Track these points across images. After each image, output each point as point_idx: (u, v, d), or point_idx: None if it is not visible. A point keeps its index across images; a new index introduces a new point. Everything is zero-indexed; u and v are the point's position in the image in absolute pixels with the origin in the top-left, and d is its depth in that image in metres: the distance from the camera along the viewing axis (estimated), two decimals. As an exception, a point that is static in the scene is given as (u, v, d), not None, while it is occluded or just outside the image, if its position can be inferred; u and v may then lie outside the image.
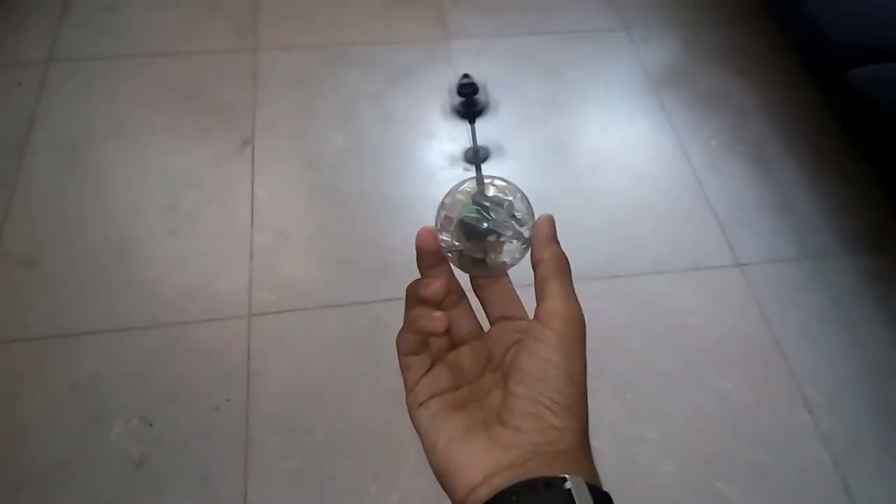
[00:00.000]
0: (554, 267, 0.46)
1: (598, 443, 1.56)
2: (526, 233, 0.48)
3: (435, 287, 0.46)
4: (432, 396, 0.47)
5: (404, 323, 0.48)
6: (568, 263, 0.46)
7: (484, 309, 0.52)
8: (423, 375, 0.48)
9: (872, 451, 1.60)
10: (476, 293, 0.52)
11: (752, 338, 1.77)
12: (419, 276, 0.50)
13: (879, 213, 1.98)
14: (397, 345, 0.48)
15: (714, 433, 1.62)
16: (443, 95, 2.20)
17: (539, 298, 0.45)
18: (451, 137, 2.12)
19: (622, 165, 2.12)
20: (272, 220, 1.92)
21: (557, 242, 0.47)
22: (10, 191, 1.92)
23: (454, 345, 0.50)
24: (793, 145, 2.16)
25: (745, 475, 1.56)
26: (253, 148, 2.06)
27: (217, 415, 1.60)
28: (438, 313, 0.45)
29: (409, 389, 0.48)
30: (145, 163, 2.02)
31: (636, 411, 1.64)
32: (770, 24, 2.36)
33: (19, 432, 1.56)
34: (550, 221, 0.48)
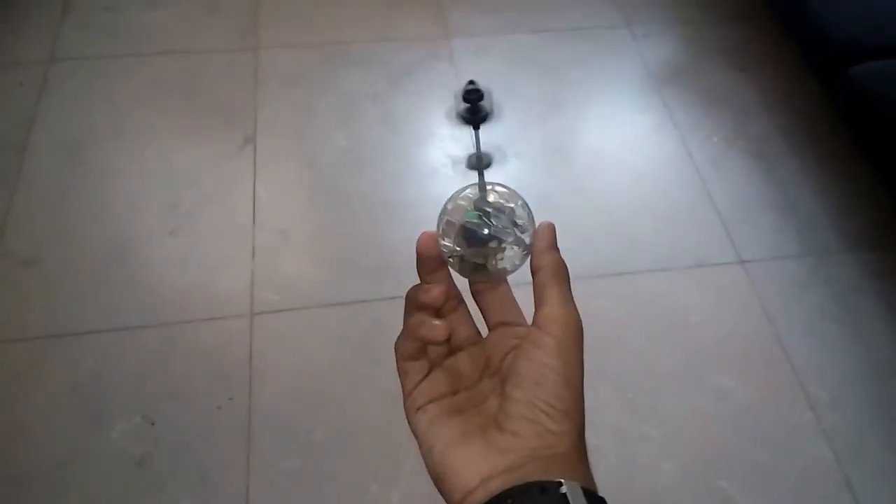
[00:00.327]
0: (553, 273, 0.46)
1: (599, 442, 1.57)
2: (527, 239, 0.48)
3: (434, 293, 0.46)
4: (430, 401, 0.47)
5: (403, 329, 0.48)
6: (567, 270, 0.47)
7: (483, 315, 0.52)
8: (422, 380, 0.48)
9: (875, 448, 1.60)
10: (475, 299, 0.52)
11: (755, 335, 1.77)
12: (419, 280, 0.50)
13: (881, 209, 1.98)
14: (396, 350, 0.48)
15: (716, 431, 1.62)
16: (444, 95, 2.20)
17: (538, 304, 0.45)
18: (452, 137, 2.12)
19: (624, 163, 2.12)
20: (273, 220, 1.92)
21: (557, 250, 0.47)
22: (10, 191, 1.92)
23: (452, 350, 0.50)
24: (795, 142, 2.16)
25: (747, 473, 1.56)
26: (254, 147, 2.06)
27: (219, 414, 1.60)
28: (439, 322, 0.45)
29: (406, 394, 0.48)
30: (146, 162, 2.02)
31: (637, 410, 1.64)
32: (772, 21, 2.36)
33: (20, 432, 1.56)
34: (551, 228, 0.48)
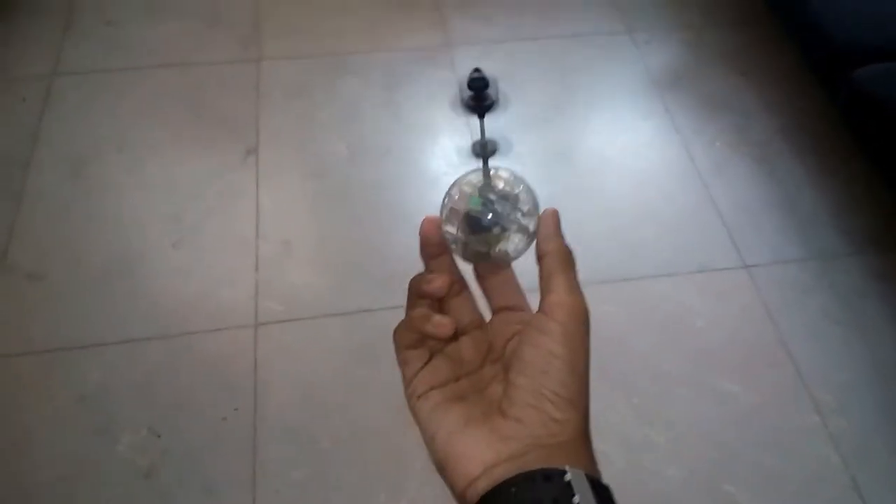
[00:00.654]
0: (559, 260, 0.46)
1: (606, 446, 1.56)
2: (531, 226, 0.48)
3: (437, 283, 0.46)
4: (431, 389, 0.46)
5: (405, 319, 0.47)
6: (573, 257, 0.46)
7: (486, 298, 0.52)
8: (422, 368, 0.47)
9: (882, 451, 1.59)
10: (478, 283, 0.52)
11: (759, 339, 1.77)
12: (423, 270, 0.50)
13: (884, 210, 1.98)
14: (395, 340, 0.48)
15: (721, 435, 1.62)
16: (446, 103, 2.20)
17: (544, 291, 0.45)
18: (454, 144, 2.12)
19: (626, 168, 2.12)
20: (277, 230, 1.92)
21: (562, 236, 0.47)
22: (15, 205, 1.93)
23: (455, 335, 0.49)
24: (797, 145, 2.16)
25: (753, 477, 1.56)
26: (257, 158, 2.07)
27: (225, 425, 1.60)
28: (443, 318, 0.45)
29: (407, 382, 0.47)
30: (149, 175, 2.03)
31: (643, 415, 1.64)
32: (772, 24, 2.36)
33: (26, 445, 1.56)
34: (555, 215, 0.48)
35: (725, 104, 2.28)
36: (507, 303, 0.51)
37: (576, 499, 0.37)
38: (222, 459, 1.56)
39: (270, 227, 1.92)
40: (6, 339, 1.71)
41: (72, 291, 1.79)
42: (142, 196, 1.98)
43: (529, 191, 0.49)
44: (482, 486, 0.40)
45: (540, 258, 0.46)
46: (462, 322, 0.50)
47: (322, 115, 2.21)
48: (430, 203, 1.98)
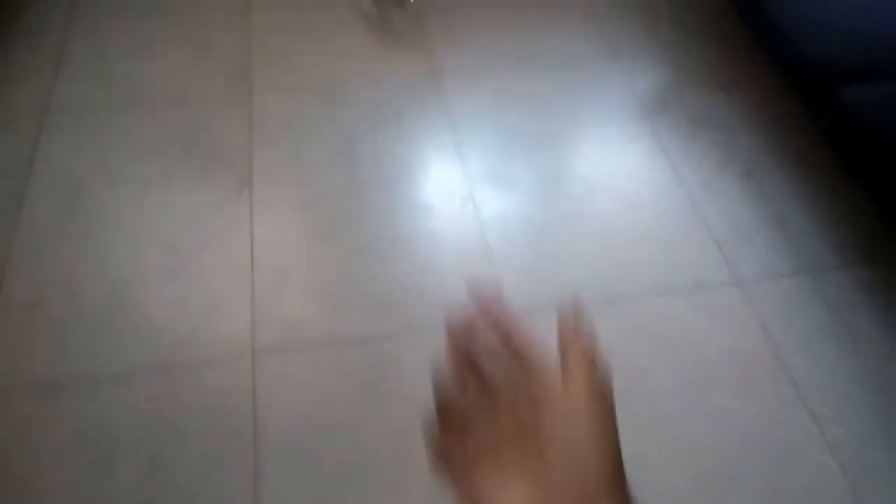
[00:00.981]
0: (582, 361, 0.47)
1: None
2: None
3: (457, 322, 0.47)
4: (463, 455, 0.47)
5: (430, 415, 0.48)
6: (595, 337, 0.47)
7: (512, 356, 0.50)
8: (451, 442, 0.48)
9: (880, 457, 1.60)
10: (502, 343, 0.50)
11: (755, 353, 1.78)
12: (425, 324, 0.50)
13: (871, 224, 2.00)
14: (427, 436, 0.48)
15: (721, 449, 1.63)
16: (436, 134, 2.23)
17: (564, 366, 0.46)
18: (445, 172, 2.14)
19: (617, 191, 2.14)
20: (272, 261, 1.93)
21: (583, 320, 0.48)
22: (9, 238, 1.93)
23: (484, 393, 0.49)
24: (783, 162, 2.19)
25: (754, 489, 1.56)
26: (251, 190, 2.08)
27: (225, 455, 1.60)
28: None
29: (436, 457, 0.48)
30: (144, 209, 2.04)
31: (643, 430, 1.64)
32: (753, 44, 2.40)
33: (27, 479, 1.56)
34: (575, 304, 0.49)
35: (711, 124, 2.32)
36: (531, 352, 0.49)
37: None
38: (223, 489, 1.56)
39: (265, 259, 1.93)
40: (3, 372, 1.72)
41: (68, 324, 1.80)
42: (137, 229, 1.99)
43: None
44: None
45: (561, 337, 0.47)
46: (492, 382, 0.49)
47: (313, 147, 2.23)
48: (424, 231, 2.00)
